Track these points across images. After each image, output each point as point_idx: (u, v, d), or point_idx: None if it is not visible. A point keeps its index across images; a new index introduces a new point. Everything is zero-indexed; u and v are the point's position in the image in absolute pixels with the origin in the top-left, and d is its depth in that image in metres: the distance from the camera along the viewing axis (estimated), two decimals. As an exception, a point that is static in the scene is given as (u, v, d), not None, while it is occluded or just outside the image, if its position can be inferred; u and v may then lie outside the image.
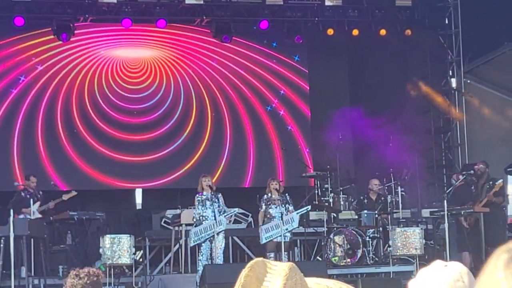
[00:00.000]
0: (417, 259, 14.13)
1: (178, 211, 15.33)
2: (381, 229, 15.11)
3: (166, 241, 15.49)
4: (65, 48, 17.47)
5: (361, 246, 14.59)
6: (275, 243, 13.99)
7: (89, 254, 15.13)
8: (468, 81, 18.81)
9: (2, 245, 13.06)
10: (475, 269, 8.01)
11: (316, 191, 16.56)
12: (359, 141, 18.03)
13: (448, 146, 19.00)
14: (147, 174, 17.64)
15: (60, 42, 17.01)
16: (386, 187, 16.28)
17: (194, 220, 13.94)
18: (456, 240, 14.78)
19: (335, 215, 15.64)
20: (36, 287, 13.47)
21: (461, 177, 15.74)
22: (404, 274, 14.07)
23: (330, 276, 13.17)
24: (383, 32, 18.06)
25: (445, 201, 14.28)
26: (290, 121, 18.52)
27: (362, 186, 16.66)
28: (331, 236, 14.67)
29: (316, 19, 17.94)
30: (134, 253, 13.59)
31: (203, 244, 13.79)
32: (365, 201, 15.57)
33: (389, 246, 14.36)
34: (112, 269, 13.24)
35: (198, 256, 13.87)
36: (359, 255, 14.57)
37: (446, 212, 14.12)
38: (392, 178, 16.43)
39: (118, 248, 13.28)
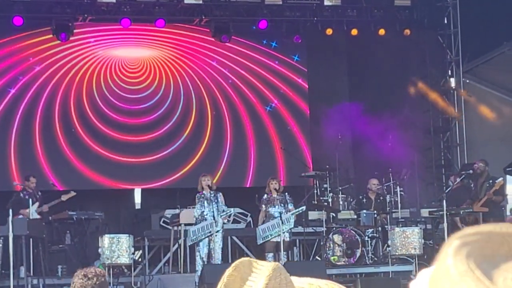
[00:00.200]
0: (416, 259, 14.12)
1: (177, 211, 15.31)
2: (380, 229, 15.11)
3: (165, 241, 15.47)
4: (64, 48, 17.43)
5: (360, 245, 14.58)
6: (274, 243, 13.99)
7: (88, 254, 15.12)
8: (467, 81, 18.79)
9: (1, 245, 13.06)
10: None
11: (315, 191, 16.56)
12: (358, 140, 18.01)
13: (447, 145, 18.98)
14: (147, 175, 17.56)
15: (59, 41, 16.98)
16: (385, 187, 16.29)
17: (195, 219, 13.96)
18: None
19: (334, 215, 15.65)
20: (35, 287, 13.46)
21: (458, 179, 15.75)
22: (403, 274, 14.07)
23: (329, 276, 13.16)
24: (382, 32, 18.03)
25: (444, 201, 14.27)
26: (290, 120, 18.51)
27: (361, 186, 16.66)
28: (330, 236, 14.67)
29: (315, 19, 17.92)
30: (133, 253, 13.58)
31: (200, 243, 13.80)
32: (364, 200, 15.57)
33: (388, 246, 14.35)
34: (111, 269, 13.22)
35: (197, 255, 13.88)
36: (358, 254, 14.56)
37: (445, 212, 14.11)
38: (391, 178, 16.44)
39: (117, 248, 13.26)
